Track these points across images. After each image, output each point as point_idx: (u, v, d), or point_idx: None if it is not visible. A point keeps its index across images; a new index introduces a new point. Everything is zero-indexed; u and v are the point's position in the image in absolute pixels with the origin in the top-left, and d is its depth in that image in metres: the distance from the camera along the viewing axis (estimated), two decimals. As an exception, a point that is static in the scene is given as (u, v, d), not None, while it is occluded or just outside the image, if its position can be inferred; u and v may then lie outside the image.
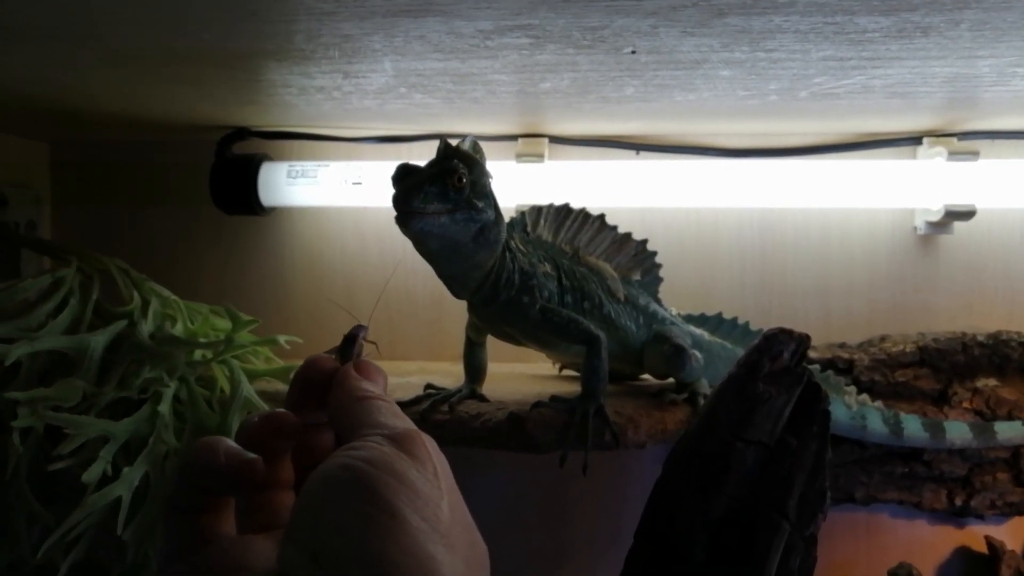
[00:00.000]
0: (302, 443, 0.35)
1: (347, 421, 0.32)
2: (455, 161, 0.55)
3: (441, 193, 0.53)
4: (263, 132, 0.84)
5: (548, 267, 0.64)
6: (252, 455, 0.32)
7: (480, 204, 0.56)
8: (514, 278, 0.61)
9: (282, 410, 0.35)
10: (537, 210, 0.67)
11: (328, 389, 0.34)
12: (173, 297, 0.70)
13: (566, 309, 0.64)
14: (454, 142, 0.57)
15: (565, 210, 0.68)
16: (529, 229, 0.66)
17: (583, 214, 0.68)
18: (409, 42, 0.51)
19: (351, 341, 0.37)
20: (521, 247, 0.63)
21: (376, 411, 0.32)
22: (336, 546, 0.26)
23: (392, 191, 0.54)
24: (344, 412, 0.33)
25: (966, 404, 0.79)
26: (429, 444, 0.31)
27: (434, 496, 0.28)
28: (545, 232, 0.67)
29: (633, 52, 0.52)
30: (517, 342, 0.66)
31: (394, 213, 0.53)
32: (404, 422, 0.32)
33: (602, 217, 0.69)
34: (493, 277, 0.60)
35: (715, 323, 0.74)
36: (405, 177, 0.55)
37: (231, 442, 0.32)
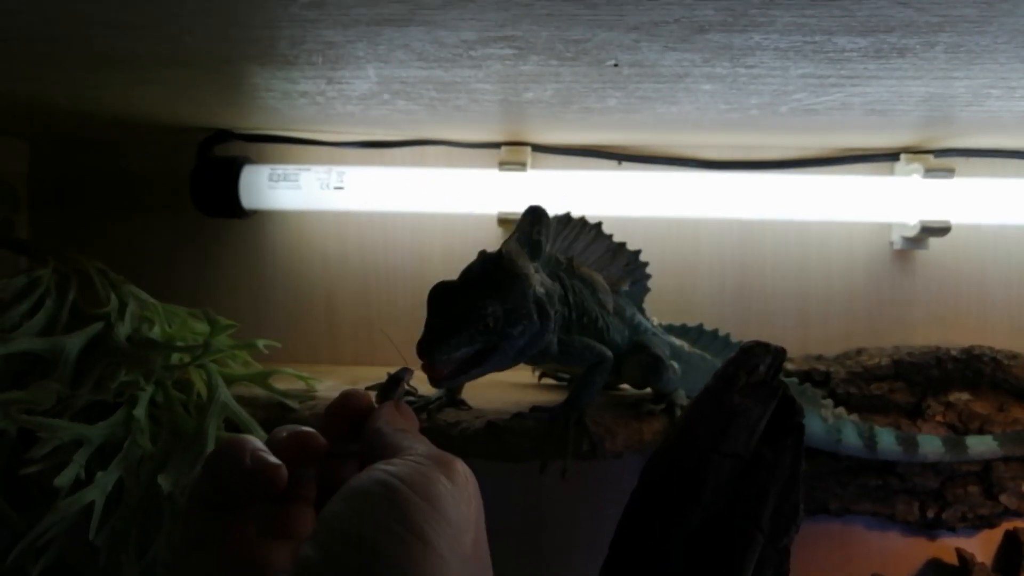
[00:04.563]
0: (326, 469, 0.36)
1: (384, 443, 0.33)
2: (487, 303, 0.49)
3: (469, 337, 0.49)
4: (245, 135, 0.84)
5: (554, 284, 0.60)
6: (277, 460, 0.32)
7: (517, 330, 0.51)
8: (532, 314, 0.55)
9: (311, 429, 0.35)
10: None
11: (359, 423, 0.35)
12: (151, 300, 0.70)
13: (573, 331, 0.61)
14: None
15: (564, 219, 0.65)
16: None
17: (581, 221, 0.65)
18: (393, 50, 0.51)
19: (395, 382, 0.38)
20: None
21: (416, 440, 0.33)
22: (358, 557, 0.27)
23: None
24: (382, 437, 0.33)
25: (939, 418, 0.80)
26: (467, 474, 0.31)
27: (463, 526, 0.29)
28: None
29: (616, 65, 0.53)
30: None
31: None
32: (442, 452, 0.32)
33: (599, 225, 0.67)
34: None
35: (696, 334, 0.74)
36: (436, 309, 0.50)
37: (259, 443, 0.33)
